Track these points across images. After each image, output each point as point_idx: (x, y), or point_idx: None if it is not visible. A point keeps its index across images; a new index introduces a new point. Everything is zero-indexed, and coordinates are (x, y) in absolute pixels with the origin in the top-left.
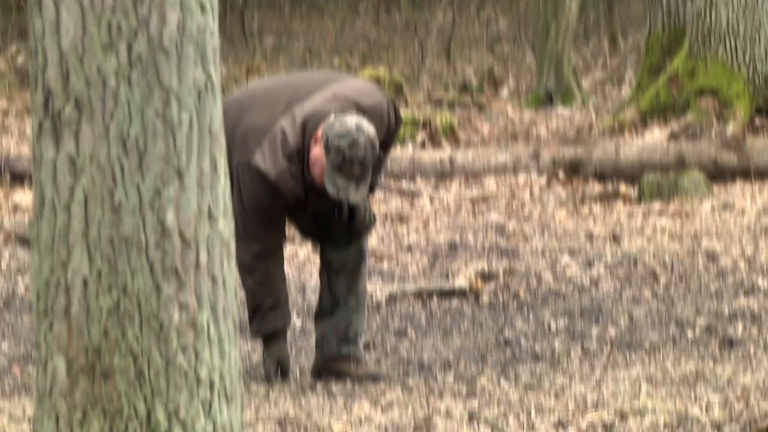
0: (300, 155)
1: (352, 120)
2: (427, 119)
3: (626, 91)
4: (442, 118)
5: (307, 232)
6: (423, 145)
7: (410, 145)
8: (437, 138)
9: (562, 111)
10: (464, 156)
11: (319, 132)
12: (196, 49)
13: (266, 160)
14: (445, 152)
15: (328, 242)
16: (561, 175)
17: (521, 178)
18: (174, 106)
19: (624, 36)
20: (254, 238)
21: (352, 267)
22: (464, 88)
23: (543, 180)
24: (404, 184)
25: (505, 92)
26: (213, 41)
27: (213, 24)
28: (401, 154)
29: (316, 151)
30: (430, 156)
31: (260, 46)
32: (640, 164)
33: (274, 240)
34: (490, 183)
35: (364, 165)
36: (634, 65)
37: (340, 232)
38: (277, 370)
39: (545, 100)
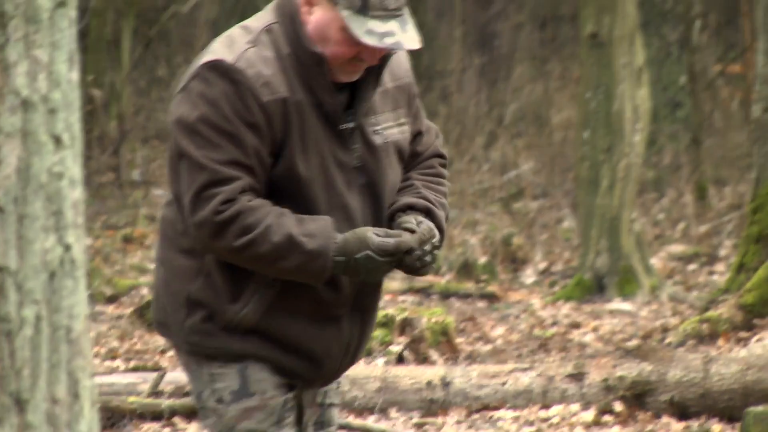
0: (289, 37)
1: None
2: (407, 319)
3: (721, 273)
4: (430, 316)
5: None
6: (400, 359)
7: (380, 360)
8: (423, 349)
9: (619, 305)
10: (465, 377)
11: None
12: (46, 204)
13: (218, 54)
14: (435, 372)
15: None
16: (618, 407)
17: (555, 411)
18: (11, 295)
19: (717, 186)
20: (211, 193)
21: None
22: (465, 268)
23: (589, 415)
24: (371, 424)
25: (529, 275)
26: (74, 193)
27: (74, 166)
28: (366, 373)
29: (318, 14)
30: (411, 377)
31: (146, 199)
32: (744, 391)
33: (242, 183)
34: (506, 420)
35: None
36: (732, 233)
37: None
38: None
39: (593, 288)
